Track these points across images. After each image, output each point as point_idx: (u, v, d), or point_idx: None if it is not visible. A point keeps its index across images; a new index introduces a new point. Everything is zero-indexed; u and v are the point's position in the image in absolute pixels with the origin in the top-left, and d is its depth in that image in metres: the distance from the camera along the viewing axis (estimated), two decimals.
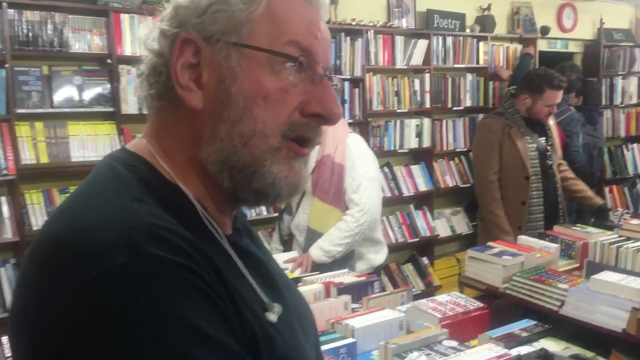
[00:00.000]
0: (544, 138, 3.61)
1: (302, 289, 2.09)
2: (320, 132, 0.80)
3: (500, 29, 5.56)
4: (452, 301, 1.95)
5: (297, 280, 2.21)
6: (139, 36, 0.79)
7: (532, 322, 1.83)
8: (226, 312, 0.66)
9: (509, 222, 3.52)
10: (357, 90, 4.54)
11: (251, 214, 4.09)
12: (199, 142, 0.75)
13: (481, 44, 5.30)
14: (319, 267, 2.54)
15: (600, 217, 3.59)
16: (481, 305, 1.94)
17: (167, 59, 0.75)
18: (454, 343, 1.61)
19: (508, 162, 3.54)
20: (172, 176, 0.75)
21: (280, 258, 2.72)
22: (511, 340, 1.66)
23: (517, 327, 1.79)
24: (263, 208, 4.15)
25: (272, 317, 0.73)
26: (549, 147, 3.60)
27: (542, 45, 5.83)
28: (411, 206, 4.97)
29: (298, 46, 0.74)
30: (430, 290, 4.75)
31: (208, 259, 0.68)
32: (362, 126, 4.54)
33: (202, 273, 0.65)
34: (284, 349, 0.73)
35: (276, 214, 3.61)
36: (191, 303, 0.63)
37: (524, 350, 1.55)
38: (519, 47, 5.61)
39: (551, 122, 3.69)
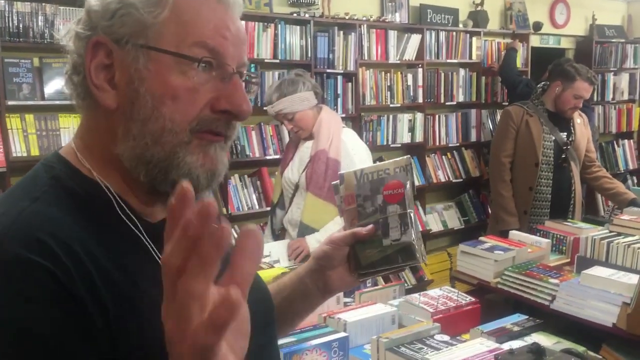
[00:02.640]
0: (565, 133, 3.68)
1: None
2: (233, 127, 0.82)
3: (493, 24, 5.57)
4: (444, 296, 1.96)
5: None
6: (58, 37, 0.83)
7: (524, 317, 1.83)
8: (81, 314, 0.67)
9: (516, 205, 3.65)
10: (350, 84, 4.53)
11: (243, 208, 4.09)
12: (115, 139, 0.78)
13: (474, 39, 5.31)
14: None
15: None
16: (473, 299, 1.95)
17: (84, 60, 0.78)
18: (445, 337, 1.61)
19: (521, 148, 3.68)
20: (92, 172, 0.79)
21: (276, 247, 2.73)
22: (503, 335, 1.67)
23: (509, 321, 1.80)
24: (255, 202, 4.14)
25: None
26: (568, 142, 3.66)
27: (535, 41, 5.84)
28: None
29: (205, 47, 0.77)
30: (421, 285, 4.76)
31: (94, 258, 0.70)
32: (354, 121, 4.54)
33: (63, 276, 0.67)
34: None
35: (269, 208, 3.60)
36: (35, 304, 0.65)
37: (515, 344, 1.55)
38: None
39: (579, 120, 3.73)
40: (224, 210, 3.96)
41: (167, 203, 0.80)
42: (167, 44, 0.76)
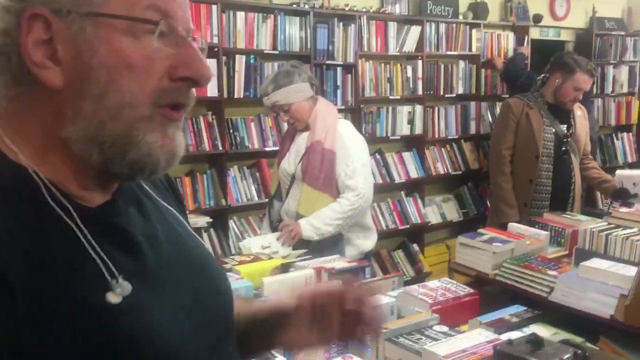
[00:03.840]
0: (565, 126, 3.68)
1: (293, 274, 2.10)
2: (193, 96, 0.78)
3: (493, 16, 5.56)
4: (442, 287, 1.96)
5: (288, 265, 2.21)
6: None
7: (522, 308, 1.84)
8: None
9: (516, 197, 3.66)
10: (349, 76, 4.52)
11: (242, 199, 4.09)
12: (62, 121, 0.71)
13: (474, 31, 5.29)
14: (309, 251, 2.54)
15: (621, 199, 3.66)
16: (472, 291, 1.96)
17: (16, 38, 0.69)
18: (444, 328, 1.62)
19: (521, 140, 3.67)
20: (18, 157, 0.71)
21: (271, 237, 2.74)
22: (501, 326, 1.68)
23: (507, 312, 1.80)
24: (254, 194, 4.14)
25: (114, 298, 0.70)
26: (568, 134, 3.66)
27: (535, 33, 5.83)
28: (402, 193, 4.98)
29: (157, 10, 0.72)
30: (420, 277, 4.78)
31: (18, 245, 0.66)
32: (354, 112, 4.54)
33: None
34: (128, 331, 0.70)
35: (267, 200, 3.61)
36: None
37: (514, 335, 1.56)
38: (512, 34, 5.61)
39: (579, 113, 3.74)
40: (223, 201, 3.96)
41: (118, 185, 0.78)
42: (117, 9, 0.70)
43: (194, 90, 0.78)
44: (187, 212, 1.02)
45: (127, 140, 0.71)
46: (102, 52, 0.69)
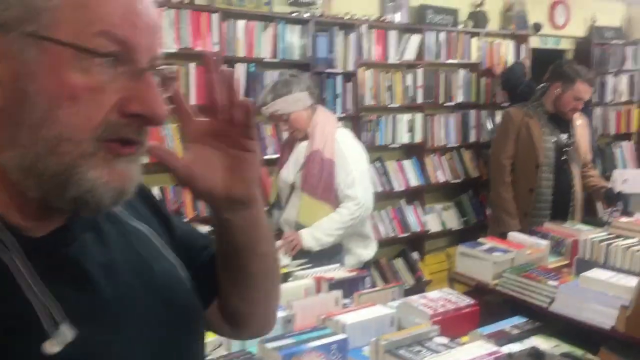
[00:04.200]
0: (566, 135, 3.67)
1: (293, 283, 2.09)
2: (146, 133, 0.69)
3: (493, 25, 5.57)
4: (443, 297, 1.96)
5: (287, 275, 2.20)
6: None
7: (523, 320, 1.83)
8: None
9: (517, 207, 3.66)
10: (349, 84, 4.52)
11: None
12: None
13: (474, 39, 5.30)
14: (309, 261, 2.53)
15: (609, 201, 3.66)
16: (472, 302, 1.95)
17: None
18: (444, 340, 1.61)
19: (521, 150, 3.67)
20: None
21: None
22: (502, 338, 1.67)
23: (508, 324, 1.80)
24: None
25: (52, 348, 0.63)
26: (569, 144, 3.66)
27: (534, 42, 5.84)
28: (402, 201, 4.98)
29: (111, 37, 0.64)
30: (420, 285, 4.77)
31: None
32: (354, 120, 4.54)
33: None
34: None
35: (266, 208, 3.60)
36: None
37: (514, 347, 1.55)
38: (512, 43, 5.62)
39: (579, 122, 3.74)
40: None
41: (60, 217, 0.69)
42: (65, 33, 0.62)
43: (148, 128, 0.70)
44: (172, 220, 0.91)
45: (67, 177, 0.64)
46: (42, 79, 0.62)
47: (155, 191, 3.77)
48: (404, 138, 4.90)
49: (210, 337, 1.58)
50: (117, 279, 0.73)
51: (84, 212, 0.68)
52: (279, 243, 2.66)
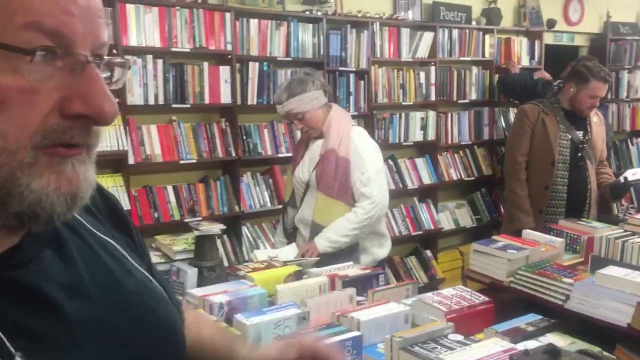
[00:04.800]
0: (582, 132, 3.65)
1: (307, 281, 2.10)
2: (96, 133, 0.62)
3: (507, 21, 5.54)
4: (457, 295, 1.95)
5: (302, 272, 2.21)
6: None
7: (538, 317, 1.83)
8: None
9: (532, 204, 3.63)
10: (362, 82, 4.53)
11: (255, 206, 4.10)
12: None
13: (487, 36, 5.28)
14: (324, 259, 2.53)
15: (615, 195, 3.64)
16: (487, 299, 1.94)
17: None
18: (459, 337, 1.61)
19: (537, 146, 3.65)
20: None
21: (285, 252, 2.72)
22: (517, 335, 1.66)
23: (523, 321, 1.79)
24: (267, 200, 4.15)
25: None
26: (584, 141, 3.64)
27: (548, 38, 5.80)
28: (415, 199, 4.97)
29: (41, 29, 0.55)
30: (433, 283, 4.76)
31: None
32: (367, 119, 4.54)
33: None
34: None
35: (281, 206, 3.61)
36: None
37: (530, 344, 1.55)
38: (525, 39, 5.59)
39: (595, 119, 3.72)
40: (236, 208, 3.97)
41: (13, 236, 0.62)
42: None
43: (98, 128, 0.62)
44: (139, 238, 0.86)
45: (7, 192, 0.57)
46: None
47: (170, 190, 3.80)
48: (416, 136, 4.90)
49: None
50: (82, 298, 0.66)
51: (35, 226, 0.61)
52: (295, 256, 2.64)
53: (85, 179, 0.61)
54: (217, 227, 2.38)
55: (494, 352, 1.47)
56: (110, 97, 0.61)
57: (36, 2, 0.55)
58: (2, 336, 0.57)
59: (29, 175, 0.57)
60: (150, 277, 0.79)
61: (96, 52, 0.61)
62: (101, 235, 0.74)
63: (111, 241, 0.75)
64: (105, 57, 0.62)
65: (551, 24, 5.72)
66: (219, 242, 3.79)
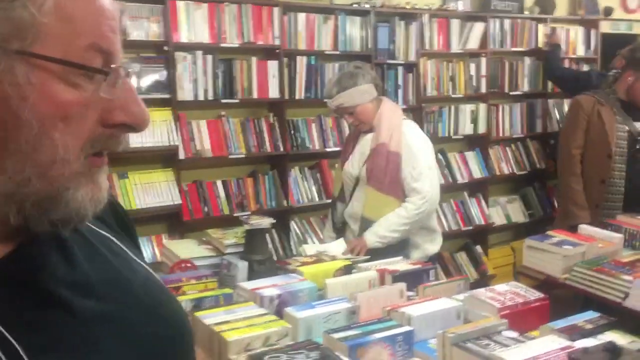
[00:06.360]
0: (639, 123, 3.52)
1: (356, 275, 2.09)
2: (124, 140, 0.66)
3: (561, 10, 5.38)
4: (511, 291, 1.90)
5: (351, 267, 2.20)
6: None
7: (596, 314, 1.76)
8: None
9: (587, 199, 3.52)
10: (410, 75, 4.48)
11: (303, 200, 4.11)
12: None
13: (540, 26, 5.14)
14: (373, 254, 2.51)
15: None
16: (542, 295, 1.89)
17: None
18: (514, 334, 1.56)
19: (592, 139, 3.53)
20: None
21: (333, 247, 2.71)
22: (575, 333, 1.61)
23: (581, 318, 1.73)
24: (315, 195, 4.15)
25: None
26: None
27: (605, 27, 5.60)
28: (465, 194, 4.89)
29: (99, 50, 0.61)
30: (484, 280, 4.67)
31: None
32: (415, 112, 4.48)
33: None
34: None
35: (329, 201, 3.61)
36: None
37: (588, 342, 1.50)
38: (581, 29, 5.41)
39: None
40: (284, 202, 3.98)
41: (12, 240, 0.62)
42: (54, 49, 0.57)
43: (127, 135, 0.66)
44: (137, 239, 0.87)
45: (54, 200, 0.60)
46: (34, 100, 0.57)
47: (219, 184, 3.84)
48: (466, 129, 4.82)
49: (275, 327, 1.60)
50: (91, 296, 0.66)
51: (62, 230, 0.63)
52: (344, 252, 2.63)
53: (106, 185, 0.66)
54: (267, 221, 2.39)
55: (551, 350, 1.43)
56: (144, 106, 0.65)
57: (95, 26, 0.60)
58: (17, 346, 0.58)
59: (77, 184, 0.61)
60: (152, 271, 0.79)
61: (124, 65, 0.65)
62: (99, 231, 0.75)
63: (109, 236, 0.76)
64: (131, 70, 0.67)
65: (608, 12, 5.52)
66: (267, 236, 3.82)
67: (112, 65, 0.62)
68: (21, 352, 0.58)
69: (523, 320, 1.73)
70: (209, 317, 1.67)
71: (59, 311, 0.63)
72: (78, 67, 0.59)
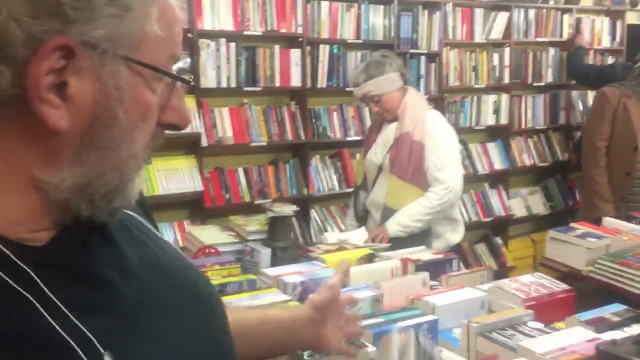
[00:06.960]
0: None
1: (379, 264, 2.09)
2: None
3: (587, 0, 5.30)
4: (536, 282, 1.90)
5: (373, 255, 2.21)
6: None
7: (623, 307, 1.75)
8: None
9: (612, 192, 3.50)
10: (433, 65, 4.45)
11: (324, 189, 4.11)
12: (48, 164, 0.59)
13: (565, 16, 5.07)
14: (395, 243, 2.52)
15: None
16: (567, 287, 1.88)
17: (16, 57, 0.54)
18: (539, 325, 1.56)
19: (618, 131, 3.51)
20: None
21: (354, 235, 2.72)
22: (601, 325, 1.60)
23: (608, 311, 1.72)
24: (336, 184, 4.15)
25: None
26: None
27: (631, 17, 5.52)
28: (486, 184, 4.86)
29: (174, 58, 0.66)
30: (503, 271, 4.65)
31: None
32: (437, 102, 4.46)
33: None
34: None
35: (351, 189, 3.61)
36: None
37: (615, 335, 1.48)
38: (606, 19, 5.33)
39: None
40: (305, 191, 3.99)
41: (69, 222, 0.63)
42: (148, 57, 0.61)
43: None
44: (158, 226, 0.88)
45: (120, 191, 0.64)
46: (128, 102, 0.61)
47: (240, 172, 3.86)
48: (488, 120, 4.78)
49: None
50: (137, 280, 0.68)
51: (110, 219, 0.66)
52: (366, 240, 2.63)
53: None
54: (290, 209, 2.40)
55: (577, 342, 1.42)
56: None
57: (175, 35, 0.65)
58: (90, 335, 0.58)
59: (137, 176, 0.67)
60: (177, 249, 0.82)
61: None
62: (126, 211, 0.75)
63: (137, 217, 0.77)
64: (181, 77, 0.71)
65: (635, 2, 5.43)
66: (291, 224, 3.83)
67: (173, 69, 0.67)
68: (89, 335, 0.58)
69: (548, 311, 1.72)
70: (234, 303, 1.68)
71: (110, 294, 0.64)
72: (167, 75, 0.64)
